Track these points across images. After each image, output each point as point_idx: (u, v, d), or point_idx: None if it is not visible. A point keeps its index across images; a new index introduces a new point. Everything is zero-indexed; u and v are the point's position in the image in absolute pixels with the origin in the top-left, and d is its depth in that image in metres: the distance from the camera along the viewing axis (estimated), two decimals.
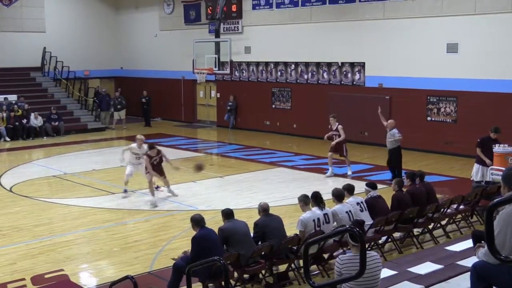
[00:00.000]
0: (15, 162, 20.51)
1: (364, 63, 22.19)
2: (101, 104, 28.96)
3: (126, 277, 7.53)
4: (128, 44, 32.79)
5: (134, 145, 15.14)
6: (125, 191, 15.20)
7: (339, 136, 16.70)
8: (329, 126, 17.14)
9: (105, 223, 12.70)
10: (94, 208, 13.98)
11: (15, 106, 26.29)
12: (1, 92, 27.22)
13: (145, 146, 14.90)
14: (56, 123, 26.50)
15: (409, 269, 8.08)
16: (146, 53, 31.79)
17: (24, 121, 25.86)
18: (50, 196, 15.34)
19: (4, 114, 25.62)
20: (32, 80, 29.73)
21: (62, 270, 9.84)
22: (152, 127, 28.74)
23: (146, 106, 29.44)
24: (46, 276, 9.58)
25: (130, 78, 32.49)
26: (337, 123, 16.86)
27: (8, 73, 28.65)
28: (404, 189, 10.99)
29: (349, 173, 16.74)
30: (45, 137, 25.76)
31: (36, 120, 26.02)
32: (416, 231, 10.98)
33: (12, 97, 27.23)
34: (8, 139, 24.99)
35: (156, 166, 14.34)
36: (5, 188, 16.25)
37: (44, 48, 29.94)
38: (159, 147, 14.99)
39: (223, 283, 8.38)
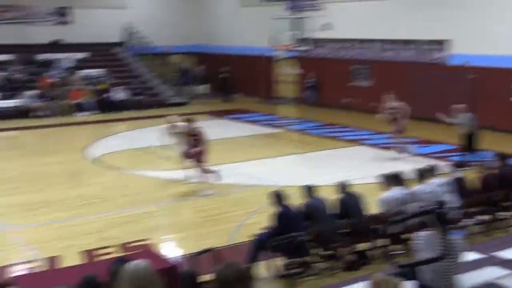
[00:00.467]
0: (100, 134, 21.17)
1: (447, 40, 21.54)
2: (182, 79, 29.41)
3: (207, 250, 7.68)
4: (210, 20, 33.06)
5: (167, 125, 15.08)
6: (213, 171, 13.91)
7: (396, 113, 15.96)
8: (385, 103, 16.31)
9: (186, 196, 12.96)
10: (174, 180, 14.26)
11: (100, 80, 27.13)
12: (87, 67, 28.12)
13: (180, 124, 14.46)
14: (139, 97, 27.15)
15: (495, 253, 7.88)
16: (227, 29, 31.97)
17: (109, 94, 26.65)
18: (135, 167, 15.76)
19: (90, 88, 26.48)
20: (116, 55, 30.52)
21: (146, 239, 10.15)
22: (232, 102, 28.99)
23: (226, 82, 29.70)
24: (131, 245, 9.90)
25: (211, 53, 32.80)
26: (394, 101, 16.16)
27: (94, 49, 29.50)
28: (490, 171, 10.66)
29: (409, 151, 16.28)
30: (128, 111, 26.44)
31: (120, 94, 26.75)
32: (503, 214, 10.65)
33: (97, 72, 28.08)
34: (88, 113, 25.77)
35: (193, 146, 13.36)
36: (91, 159, 16.82)
37: (127, 23, 30.61)
38: (200, 129, 13.58)
39: (303, 259, 8.45)
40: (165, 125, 15.33)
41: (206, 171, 13.57)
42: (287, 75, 29.07)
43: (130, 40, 30.86)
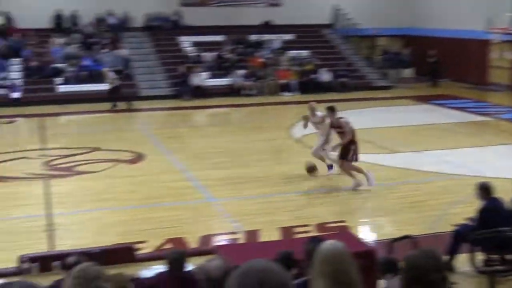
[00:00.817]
0: (304, 114, 21.47)
1: None
2: (388, 62, 28.90)
3: (406, 236, 7.46)
4: (418, 1, 32.00)
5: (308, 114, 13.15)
6: (330, 167, 13.00)
7: None
8: None
9: (387, 181, 12.72)
10: (376, 164, 14.04)
11: (306, 61, 27.60)
12: (294, 48, 28.72)
13: (319, 114, 12.84)
14: (344, 79, 27.17)
15: None
16: (437, 11, 30.72)
17: (314, 76, 27.01)
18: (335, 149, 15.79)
19: (296, 69, 27.05)
20: (323, 37, 30.78)
21: (344, 221, 10.14)
22: (439, 87, 27.90)
23: (434, 66, 28.63)
24: (329, 225, 9.96)
25: (419, 36, 31.76)
26: None
27: (302, 30, 30.00)
28: None
29: None
30: (333, 92, 26.58)
31: (325, 76, 27.00)
32: None
33: (304, 53, 28.56)
34: (293, 93, 26.30)
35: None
36: (294, 138, 17.18)
37: (336, 5, 30.68)
38: (346, 121, 12.09)
39: (507, 256, 7.89)
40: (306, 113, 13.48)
41: (351, 170, 11.92)
42: (503, 60, 27.22)
43: (338, 22, 30.94)
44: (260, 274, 2.13)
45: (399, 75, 28.73)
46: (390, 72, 28.92)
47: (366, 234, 9.77)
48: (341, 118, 11.85)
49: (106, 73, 23.27)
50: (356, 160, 11.83)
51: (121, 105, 22.60)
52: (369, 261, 7.05)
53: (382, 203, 11.30)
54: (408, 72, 28.51)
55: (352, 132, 11.75)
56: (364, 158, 14.53)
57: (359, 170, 11.82)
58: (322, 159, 12.68)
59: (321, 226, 9.84)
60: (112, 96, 22.84)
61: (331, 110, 11.87)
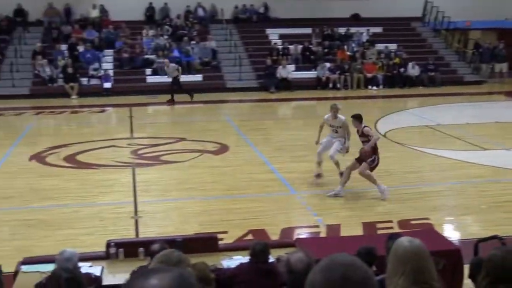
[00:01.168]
0: (390, 109, 21.19)
1: None
2: (481, 56, 27.94)
3: (494, 237, 7.20)
4: None
5: (327, 116, 11.94)
6: (318, 175, 11.96)
7: None
8: None
9: (475, 179, 12.31)
10: (464, 162, 13.65)
11: (394, 54, 27.08)
12: (382, 41, 28.24)
13: (341, 117, 11.83)
14: (432, 73, 26.48)
15: None
16: None
17: (402, 69, 26.46)
18: (421, 145, 15.46)
19: (383, 62, 26.59)
20: (412, 30, 30.10)
21: (427, 218, 9.90)
22: None
23: None
24: (412, 222, 9.75)
25: None
26: None
27: (390, 23, 29.45)
28: None
29: None
30: (420, 87, 26.01)
31: (413, 70, 26.41)
32: None
33: (392, 46, 28.03)
34: (380, 87, 25.86)
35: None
36: (379, 133, 16.90)
37: None
38: (369, 128, 11.23)
39: None
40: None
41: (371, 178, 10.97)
42: None
43: (428, 15, 30.16)
44: (344, 268, 2.10)
45: (491, 69, 27.71)
46: (483, 66, 27.95)
47: (451, 232, 9.50)
48: (365, 126, 11.07)
49: (167, 64, 23.43)
50: (375, 167, 11.01)
51: (179, 97, 22.67)
52: (455, 260, 6.87)
53: (469, 202, 10.95)
54: (502, 67, 27.43)
55: (377, 139, 11.07)
56: (453, 155, 14.17)
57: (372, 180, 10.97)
58: (338, 164, 11.72)
59: (404, 223, 9.65)
60: (172, 88, 22.87)
61: (358, 119, 11.02)
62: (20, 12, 27.14)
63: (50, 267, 6.10)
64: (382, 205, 10.64)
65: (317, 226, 9.71)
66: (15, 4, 27.00)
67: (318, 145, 11.94)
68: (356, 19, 29.72)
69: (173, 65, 23.39)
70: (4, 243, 9.01)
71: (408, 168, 13.10)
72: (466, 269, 6.13)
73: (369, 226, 9.54)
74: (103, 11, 28.03)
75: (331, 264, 2.14)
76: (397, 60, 26.80)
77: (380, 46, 27.87)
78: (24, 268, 6.75)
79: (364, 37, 28.54)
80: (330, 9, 29.24)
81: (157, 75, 25.17)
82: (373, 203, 10.77)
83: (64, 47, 26.06)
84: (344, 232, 9.26)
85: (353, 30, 28.84)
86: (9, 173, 12.96)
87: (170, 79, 23.03)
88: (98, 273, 6.58)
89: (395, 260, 3.51)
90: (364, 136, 10.99)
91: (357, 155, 11.08)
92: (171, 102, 22.61)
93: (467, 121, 18.38)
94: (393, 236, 5.43)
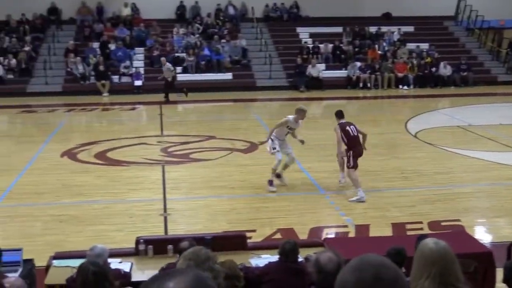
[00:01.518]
0: (421, 109, 20.98)
1: None
2: None
3: None
4: None
5: (291, 117, 11.51)
6: (272, 183, 11.49)
7: None
8: None
9: (508, 181, 12.12)
10: (497, 163, 13.44)
11: (426, 54, 26.79)
12: (413, 40, 27.97)
13: (301, 122, 11.78)
14: (465, 73, 26.15)
15: None
16: None
17: (433, 69, 26.18)
18: (453, 145, 15.28)
19: (415, 62, 26.32)
20: (445, 29, 29.75)
21: (458, 220, 9.78)
22: None
23: None
24: (443, 223, 9.64)
25: None
26: None
27: (422, 22, 29.14)
28: None
29: None
30: (452, 87, 25.71)
31: (445, 69, 26.10)
32: None
33: (424, 45, 27.73)
34: (411, 87, 25.60)
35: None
36: (410, 133, 16.77)
37: None
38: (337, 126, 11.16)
39: None
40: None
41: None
42: None
43: (461, 14, 29.78)
44: (375, 269, 2.08)
45: None
46: None
47: (482, 235, 9.37)
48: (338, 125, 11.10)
49: (163, 62, 23.40)
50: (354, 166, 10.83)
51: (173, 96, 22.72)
52: (486, 263, 6.77)
53: (501, 204, 10.77)
54: None
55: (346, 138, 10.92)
56: (485, 156, 13.98)
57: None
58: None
59: (434, 224, 9.54)
60: (166, 87, 22.82)
61: (336, 115, 11.21)
62: (54, 10, 27.50)
63: (80, 263, 6.17)
64: (412, 206, 10.54)
65: (345, 226, 9.67)
66: (49, 3, 27.37)
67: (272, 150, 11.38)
68: (387, 18, 29.48)
69: (168, 65, 23.35)
70: (36, 238, 9.14)
71: (439, 169, 12.94)
72: (499, 272, 6.03)
73: (398, 227, 9.46)
74: (135, 9, 28.26)
75: (362, 264, 2.13)
76: (428, 59, 26.52)
77: (411, 46, 27.61)
78: (55, 262, 6.84)
79: (395, 36, 28.30)
80: (361, 7, 29.05)
81: (187, 73, 25.29)
82: (402, 204, 10.67)
83: (96, 45, 26.35)
84: (373, 233, 9.20)
85: (384, 29, 28.60)
86: (42, 169, 13.14)
87: (169, 79, 22.92)
88: (127, 269, 6.63)
89: (420, 261, 3.48)
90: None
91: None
92: (167, 101, 22.54)
93: (500, 122, 18.10)
94: (423, 237, 5.37)
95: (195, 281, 1.94)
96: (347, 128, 11.00)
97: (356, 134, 10.99)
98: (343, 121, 11.22)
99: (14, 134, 18.27)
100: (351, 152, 10.86)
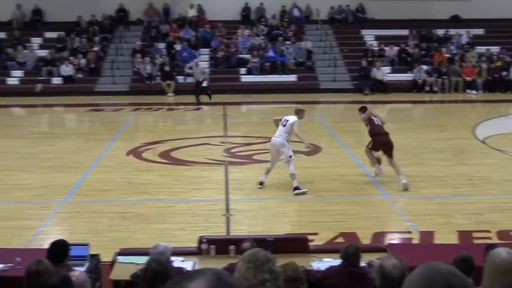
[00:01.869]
0: (490, 114, 20.44)
1: None
2: None
3: None
4: None
5: (296, 118, 11.69)
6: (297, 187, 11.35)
7: None
8: None
9: None
10: None
11: (496, 57, 26.05)
12: (483, 43, 27.22)
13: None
14: None
15: None
16: None
17: (504, 73, 25.42)
18: None
19: (484, 65, 25.62)
20: None
21: None
22: None
23: None
24: (511, 233, 9.34)
25: None
26: None
27: (492, 24, 28.30)
28: None
29: None
30: None
31: None
32: None
33: (494, 49, 26.96)
34: (479, 91, 24.94)
35: None
36: (478, 139, 16.33)
37: None
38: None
39: None
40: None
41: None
42: None
43: None
44: (445, 278, 2.03)
45: None
46: None
47: None
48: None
49: (196, 64, 23.24)
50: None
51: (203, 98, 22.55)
52: None
53: None
54: None
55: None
56: None
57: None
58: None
59: (503, 233, 9.24)
60: (197, 89, 22.67)
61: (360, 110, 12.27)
62: (121, 11, 28.10)
63: (144, 260, 6.26)
64: (479, 214, 10.26)
65: (409, 232, 9.49)
66: (117, 4, 27.97)
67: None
68: (456, 21, 28.80)
69: (201, 67, 23.27)
70: (102, 234, 9.34)
71: (509, 176, 12.54)
72: None
73: (464, 235, 9.22)
74: (200, 10, 28.56)
75: (430, 272, 2.07)
76: (499, 63, 25.76)
77: (481, 49, 26.89)
78: (120, 258, 6.97)
79: (464, 39, 27.61)
80: (429, 10, 28.48)
81: (251, 74, 25.40)
82: (469, 211, 10.40)
83: (162, 45, 26.77)
84: (437, 240, 9.00)
85: (452, 31, 27.95)
86: (108, 167, 13.43)
87: (200, 80, 22.73)
88: (189, 268, 6.69)
89: (492, 272, 3.35)
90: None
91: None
92: (198, 103, 22.34)
93: None
94: (492, 247, 5.20)
95: (215, 280, 1.96)
96: (372, 118, 11.95)
97: (379, 124, 11.87)
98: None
99: (83, 132, 18.75)
100: (373, 140, 11.75)
